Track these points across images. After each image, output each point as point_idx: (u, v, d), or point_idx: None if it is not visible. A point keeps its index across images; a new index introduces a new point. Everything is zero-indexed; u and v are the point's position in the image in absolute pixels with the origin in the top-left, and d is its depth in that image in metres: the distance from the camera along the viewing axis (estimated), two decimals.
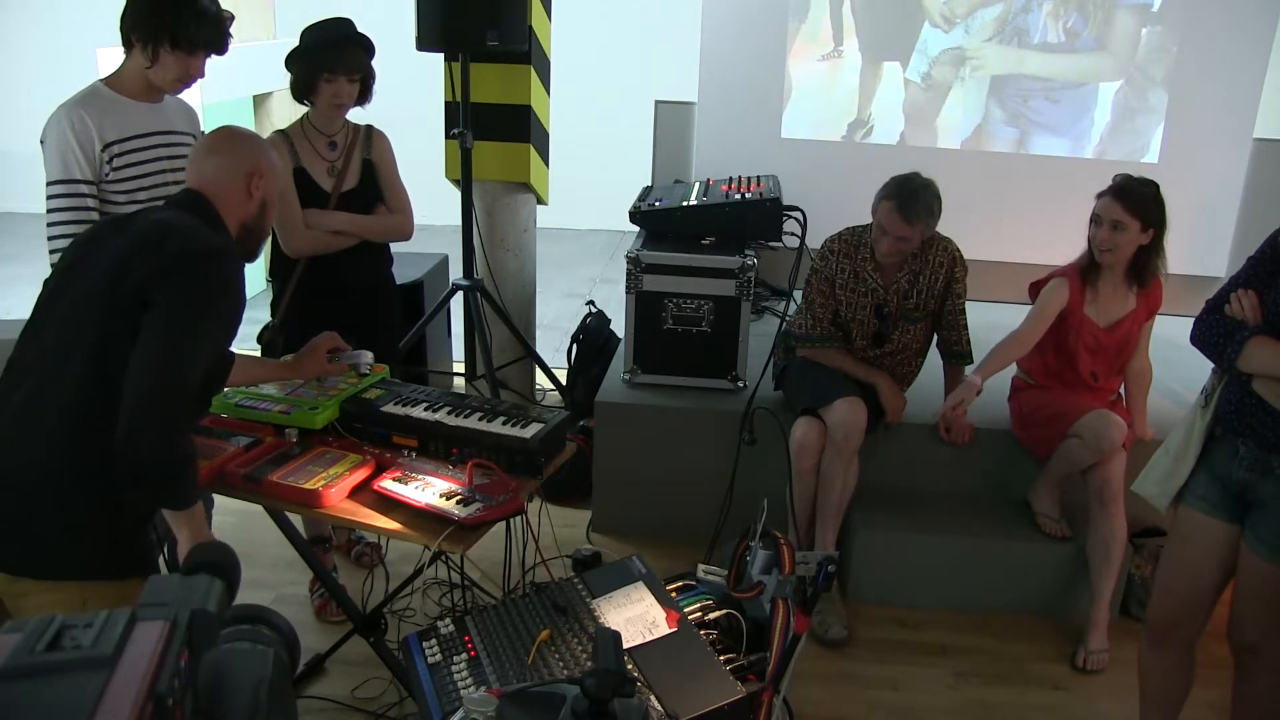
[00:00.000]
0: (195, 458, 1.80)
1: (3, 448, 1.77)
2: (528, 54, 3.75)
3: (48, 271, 2.02)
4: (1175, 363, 3.56)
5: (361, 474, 2.14)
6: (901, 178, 3.01)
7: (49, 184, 2.38)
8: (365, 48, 2.86)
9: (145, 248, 1.78)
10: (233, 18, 2.49)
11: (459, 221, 3.74)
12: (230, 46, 2.50)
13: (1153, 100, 4.55)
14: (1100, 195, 2.95)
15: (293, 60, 2.85)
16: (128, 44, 2.42)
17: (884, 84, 4.64)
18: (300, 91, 2.87)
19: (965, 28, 4.52)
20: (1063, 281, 3.04)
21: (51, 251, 2.35)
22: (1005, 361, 3.09)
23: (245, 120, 5.82)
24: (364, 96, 2.91)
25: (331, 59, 2.79)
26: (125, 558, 1.82)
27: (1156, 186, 2.91)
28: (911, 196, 2.95)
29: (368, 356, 2.48)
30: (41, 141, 2.40)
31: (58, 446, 1.74)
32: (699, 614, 1.84)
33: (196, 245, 1.80)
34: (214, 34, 2.43)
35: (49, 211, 2.38)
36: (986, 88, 4.59)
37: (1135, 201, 2.87)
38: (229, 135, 2.03)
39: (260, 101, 6.13)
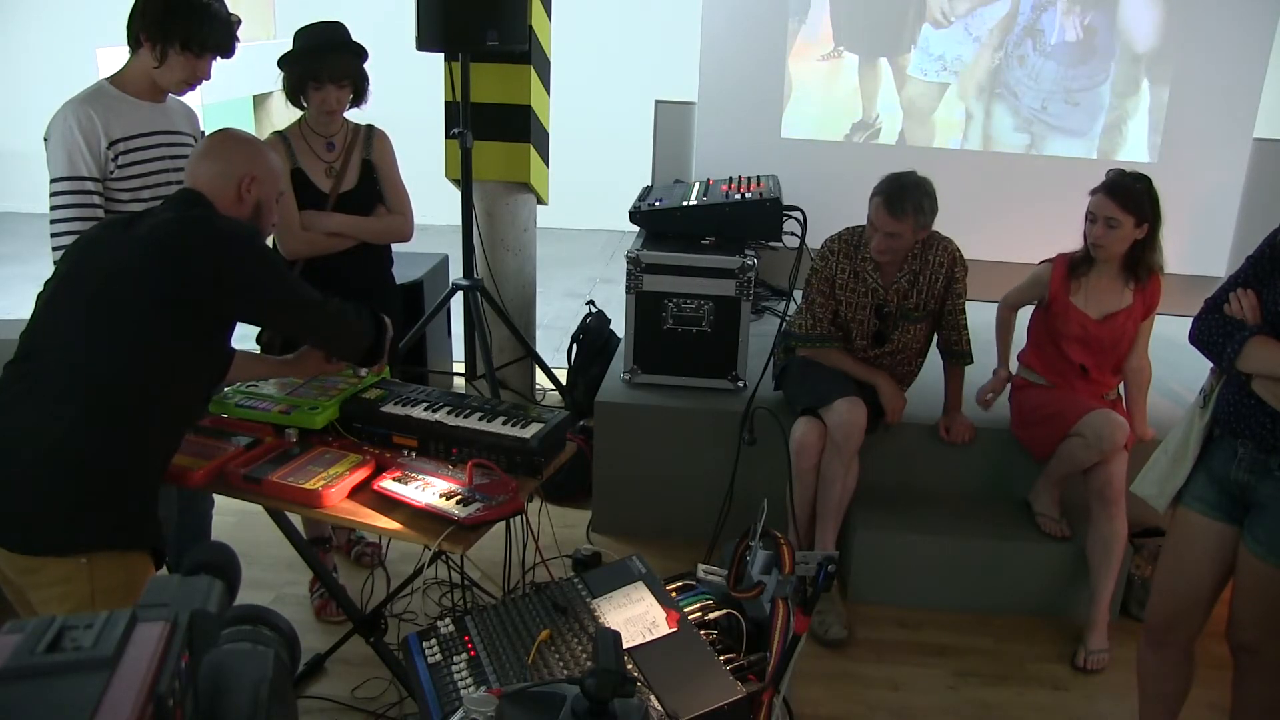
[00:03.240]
0: (381, 329, 2.28)
1: (6, 435, 1.80)
2: (528, 54, 3.75)
3: (49, 271, 2.02)
4: (1175, 363, 3.56)
5: (361, 474, 2.14)
6: (894, 175, 3.01)
7: (53, 180, 2.38)
8: (355, 53, 2.84)
9: (164, 249, 1.84)
10: (240, 21, 2.49)
11: (459, 221, 3.73)
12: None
13: (1153, 100, 4.55)
14: (1094, 192, 2.96)
15: (283, 64, 2.84)
16: (135, 43, 2.42)
17: (885, 84, 4.64)
18: (291, 96, 2.87)
19: (965, 26, 4.52)
20: (1047, 266, 3.12)
21: (55, 249, 2.35)
22: (1007, 337, 3.28)
23: (245, 120, 5.83)
24: (359, 99, 2.90)
25: (317, 67, 2.77)
26: (131, 529, 1.86)
27: (1149, 181, 2.93)
28: (900, 192, 2.95)
29: None
30: (45, 139, 2.40)
31: (65, 429, 1.78)
32: (699, 614, 1.84)
33: (214, 235, 1.90)
34: (223, 37, 2.43)
35: (53, 209, 2.38)
36: (987, 87, 4.60)
37: (1128, 198, 2.89)
38: (224, 139, 2.07)
39: (260, 101, 6.13)
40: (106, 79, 2.48)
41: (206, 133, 2.73)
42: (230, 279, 1.89)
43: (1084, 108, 4.58)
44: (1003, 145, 4.66)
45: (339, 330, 2.20)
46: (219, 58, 2.48)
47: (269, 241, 2.97)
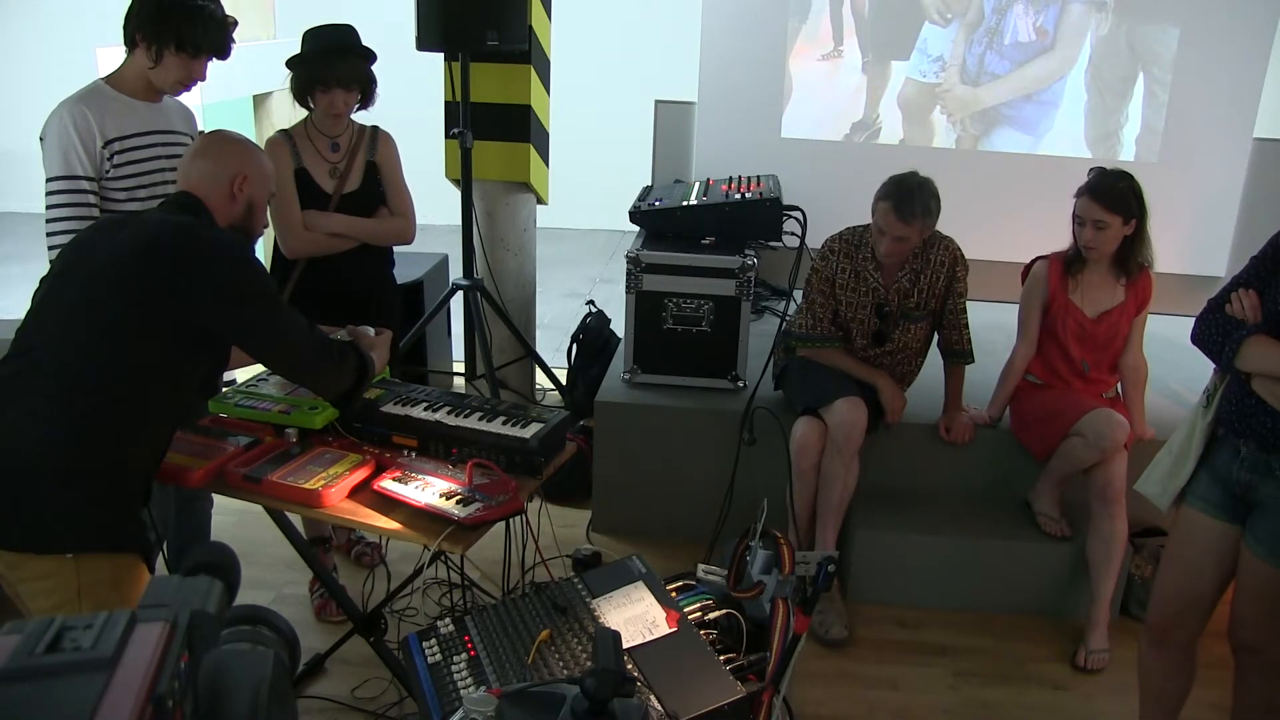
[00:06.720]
0: (361, 368, 2.10)
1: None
2: (528, 54, 3.75)
3: (47, 270, 2.03)
4: (1175, 363, 3.56)
5: (361, 474, 2.14)
6: (899, 177, 3.01)
7: (49, 180, 2.38)
8: (364, 57, 2.84)
9: (158, 251, 1.84)
10: (236, 23, 2.49)
11: (459, 221, 3.73)
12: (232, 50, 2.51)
13: (1153, 100, 4.54)
14: (1078, 194, 2.97)
15: (291, 65, 2.84)
16: (131, 43, 2.42)
17: (886, 83, 4.63)
18: (299, 97, 2.87)
19: (961, 24, 4.52)
20: (1042, 264, 3.12)
21: (51, 249, 2.35)
22: (1012, 385, 3.21)
23: (245, 120, 5.82)
24: (366, 102, 2.90)
25: (326, 71, 2.77)
26: (119, 530, 1.86)
27: (1131, 178, 2.94)
28: (908, 196, 2.95)
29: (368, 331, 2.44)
30: (41, 138, 2.40)
31: (48, 428, 1.78)
32: (699, 614, 1.84)
33: (211, 244, 1.90)
34: (218, 39, 2.44)
35: (49, 208, 2.38)
36: (985, 85, 4.59)
37: (1112, 198, 2.90)
38: (216, 139, 2.07)
39: (260, 101, 6.12)
40: (102, 79, 2.48)
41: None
42: (208, 285, 1.86)
43: (1067, 103, 4.56)
44: (998, 144, 4.65)
45: (315, 367, 2.04)
46: (214, 59, 2.48)
47: (271, 243, 2.98)
